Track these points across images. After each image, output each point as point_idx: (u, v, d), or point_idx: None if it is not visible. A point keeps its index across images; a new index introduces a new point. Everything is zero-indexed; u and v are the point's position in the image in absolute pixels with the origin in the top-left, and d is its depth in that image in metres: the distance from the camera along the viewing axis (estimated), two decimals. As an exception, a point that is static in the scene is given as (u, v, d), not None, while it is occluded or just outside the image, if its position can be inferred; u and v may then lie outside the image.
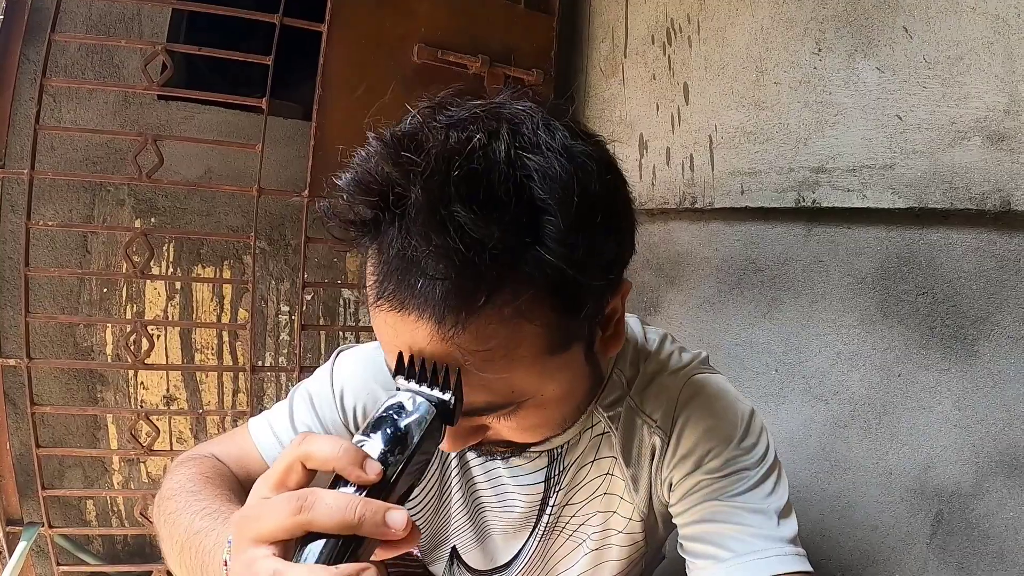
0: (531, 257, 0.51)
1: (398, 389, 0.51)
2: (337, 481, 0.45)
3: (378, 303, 0.52)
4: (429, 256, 0.49)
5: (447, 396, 0.50)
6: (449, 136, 0.50)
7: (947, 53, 1.08)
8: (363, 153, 0.53)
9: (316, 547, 0.43)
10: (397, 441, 0.47)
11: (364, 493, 0.44)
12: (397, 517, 0.43)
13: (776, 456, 0.75)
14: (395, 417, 0.49)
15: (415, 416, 0.49)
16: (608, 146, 0.62)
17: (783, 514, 0.71)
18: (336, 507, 0.43)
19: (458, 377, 0.51)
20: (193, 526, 0.61)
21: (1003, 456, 1.06)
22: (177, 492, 0.68)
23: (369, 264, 0.55)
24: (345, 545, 0.43)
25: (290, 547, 0.44)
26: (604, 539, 0.84)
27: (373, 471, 0.45)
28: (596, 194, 0.54)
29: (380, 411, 0.50)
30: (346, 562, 0.42)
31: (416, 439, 0.48)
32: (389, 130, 0.53)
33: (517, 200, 0.50)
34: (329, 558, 0.42)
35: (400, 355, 0.52)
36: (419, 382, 0.51)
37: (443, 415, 0.50)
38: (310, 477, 0.47)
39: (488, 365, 0.54)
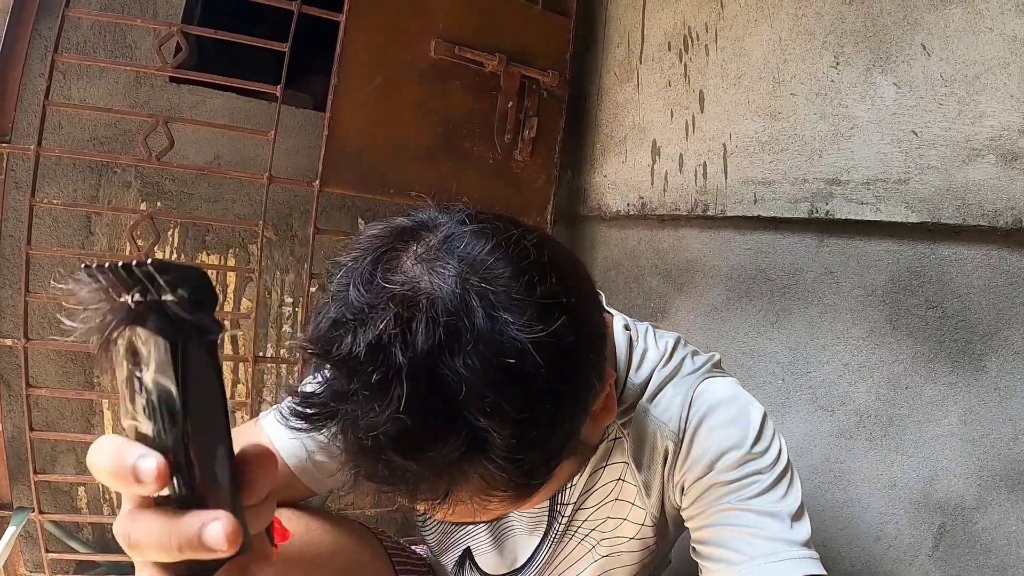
0: (478, 472, 0.50)
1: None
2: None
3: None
4: (379, 479, 0.50)
5: (171, 297, 0.32)
6: (360, 356, 0.46)
7: (964, 72, 1.10)
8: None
9: None
10: (157, 409, 0.34)
11: (179, 479, 0.34)
12: (213, 533, 0.33)
13: (788, 459, 0.75)
14: (137, 376, 0.34)
15: (154, 363, 0.33)
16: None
17: (796, 517, 0.72)
18: (153, 541, 0.35)
19: (171, 265, 0.33)
20: None
21: (1007, 470, 1.07)
22: None
23: None
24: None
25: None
26: (615, 545, 0.84)
27: (148, 477, 0.33)
28: (538, 391, 0.49)
29: (123, 376, 0.35)
30: None
31: (176, 393, 0.33)
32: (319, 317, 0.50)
33: (451, 431, 0.47)
34: None
35: (86, 266, 0.34)
36: (134, 293, 0.33)
37: (192, 332, 0.33)
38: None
39: (466, 521, 0.57)
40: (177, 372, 0.33)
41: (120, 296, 0.32)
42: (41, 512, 1.27)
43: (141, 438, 0.35)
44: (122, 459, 0.34)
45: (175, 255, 1.46)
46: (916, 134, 1.14)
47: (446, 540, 0.93)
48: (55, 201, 1.34)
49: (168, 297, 0.32)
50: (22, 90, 1.26)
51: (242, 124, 1.44)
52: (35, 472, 1.25)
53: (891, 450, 1.17)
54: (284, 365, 1.54)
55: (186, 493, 0.34)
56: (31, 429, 1.24)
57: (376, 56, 1.37)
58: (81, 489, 1.45)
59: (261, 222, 1.30)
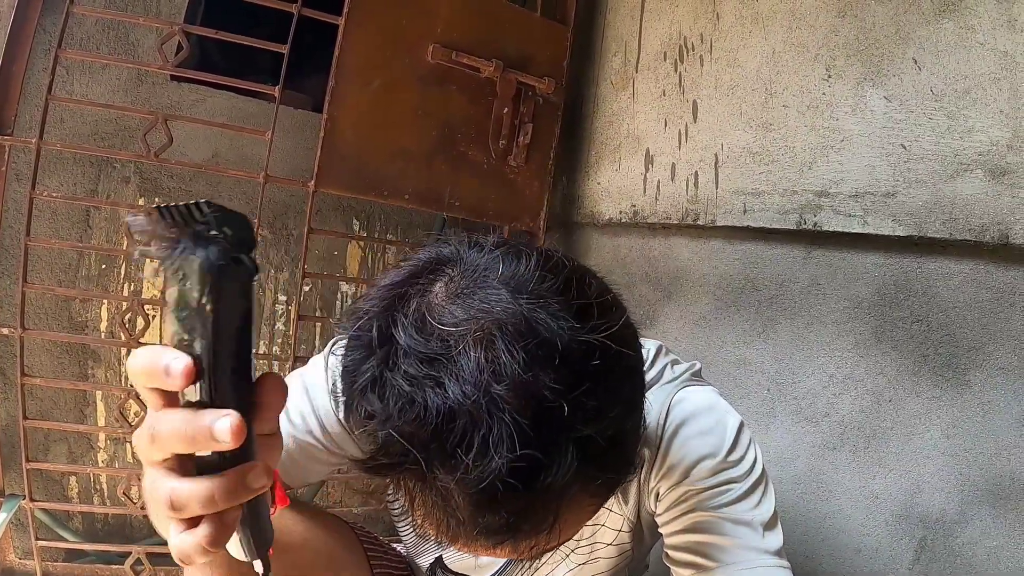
0: (585, 480, 0.50)
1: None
2: None
3: (439, 538, 0.52)
4: (484, 530, 0.49)
5: (219, 234, 0.40)
6: (467, 415, 0.45)
7: (954, 86, 1.10)
8: (365, 425, 0.49)
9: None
10: (194, 326, 0.40)
11: (206, 386, 0.41)
12: (221, 426, 0.40)
13: (763, 468, 0.76)
14: (184, 294, 0.40)
15: (198, 286, 0.40)
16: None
17: (769, 526, 0.72)
18: (172, 431, 0.41)
19: (224, 209, 0.41)
20: None
21: (989, 485, 1.07)
22: None
23: (395, 491, 0.54)
24: (233, 457, 0.42)
25: (187, 459, 0.43)
26: (592, 551, 0.84)
27: (176, 373, 0.40)
28: (620, 383, 0.52)
29: (173, 294, 0.41)
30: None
31: (210, 311, 0.40)
32: (376, 395, 0.48)
33: (563, 453, 0.47)
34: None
35: (158, 206, 0.41)
36: (178, 226, 0.40)
37: (230, 267, 0.41)
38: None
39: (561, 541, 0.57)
40: (214, 295, 0.40)
41: (180, 230, 0.40)
42: (32, 500, 1.29)
43: (178, 346, 0.42)
44: (157, 358, 0.40)
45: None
46: (905, 148, 1.15)
47: (420, 544, 0.94)
48: (55, 194, 1.36)
49: (217, 234, 0.40)
50: (25, 84, 1.27)
51: (241, 123, 1.46)
52: (27, 460, 1.27)
53: (874, 463, 1.17)
54: (277, 362, 1.56)
55: (206, 401, 0.41)
56: (25, 417, 1.26)
57: (374, 59, 1.39)
58: (72, 479, 1.46)
59: (256, 220, 1.32)
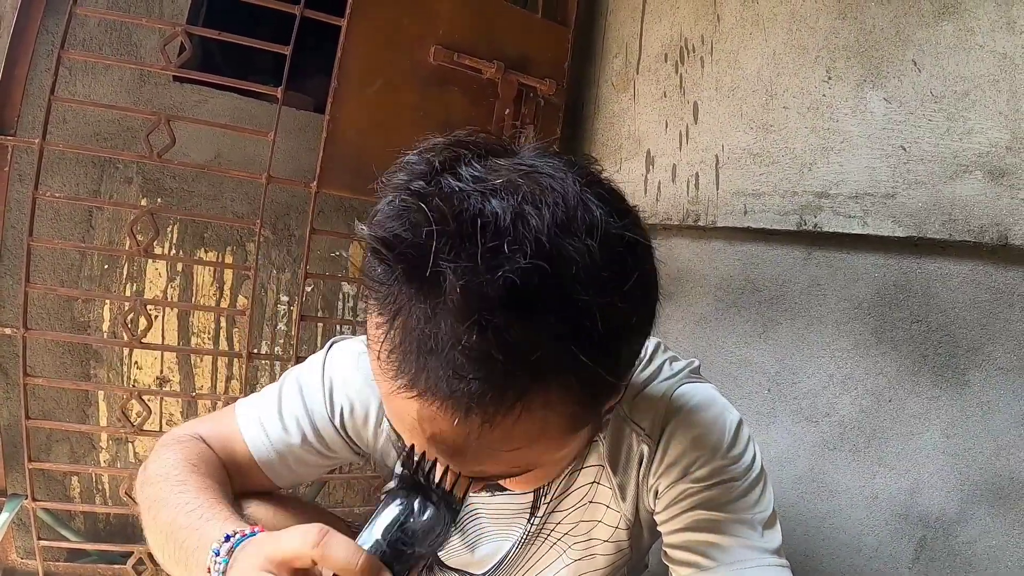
0: (568, 359, 0.48)
1: (401, 482, 0.54)
2: None
3: (396, 382, 0.49)
4: (460, 353, 0.46)
5: (454, 506, 0.54)
6: (496, 219, 0.46)
7: (954, 88, 1.11)
8: (394, 204, 0.49)
9: None
10: (405, 547, 0.51)
11: None
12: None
13: (762, 467, 0.75)
14: (403, 523, 0.52)
15: (423, 523, 0.52)
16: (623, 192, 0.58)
17: (768, 525, 0.72)
18: (343, 556, 0.48)
19: (467, 489, 0.55)
20: (177, 521, 0.63)
21: (989, 485, 1.07)
22: (162, 479, 0.69)
23: (378, 315, 0.51)
24: None
25: None
26: (588, 548, 0.84)
27: None
28: (635, 287, 0.51)
29: (391, 512, 0.52)
30: None
31: (421, 550, 0.51)
32: (426, 185, 0.49)
33: (561, 305, 0.47)
34: None
35: (411, 449, 0.54)
36: (426, 480, 0.53)
37: (449, 520, 0.54)
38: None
39: (508, 454, 0.54)
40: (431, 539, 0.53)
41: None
42: (34, 499, 1.29)
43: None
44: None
45: (174, 251, 1.49)
46: (905, 149, 1.15)
47: None
48: (58, 194, 1.36)
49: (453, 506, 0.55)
50: (28, 84, 1.28)
51: (243, 124, 1.46)
52: (30, 460, 1.27)
53: (874, 462, 1.18)
54: (278, 363, 1.56)
55: None
56: (27, 417, 1.26)
57: (376, 60, 1.39)
58: (74, 479, 1.46)
59: (259, 221, 1.32)
